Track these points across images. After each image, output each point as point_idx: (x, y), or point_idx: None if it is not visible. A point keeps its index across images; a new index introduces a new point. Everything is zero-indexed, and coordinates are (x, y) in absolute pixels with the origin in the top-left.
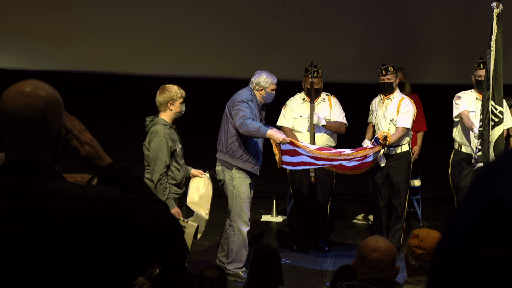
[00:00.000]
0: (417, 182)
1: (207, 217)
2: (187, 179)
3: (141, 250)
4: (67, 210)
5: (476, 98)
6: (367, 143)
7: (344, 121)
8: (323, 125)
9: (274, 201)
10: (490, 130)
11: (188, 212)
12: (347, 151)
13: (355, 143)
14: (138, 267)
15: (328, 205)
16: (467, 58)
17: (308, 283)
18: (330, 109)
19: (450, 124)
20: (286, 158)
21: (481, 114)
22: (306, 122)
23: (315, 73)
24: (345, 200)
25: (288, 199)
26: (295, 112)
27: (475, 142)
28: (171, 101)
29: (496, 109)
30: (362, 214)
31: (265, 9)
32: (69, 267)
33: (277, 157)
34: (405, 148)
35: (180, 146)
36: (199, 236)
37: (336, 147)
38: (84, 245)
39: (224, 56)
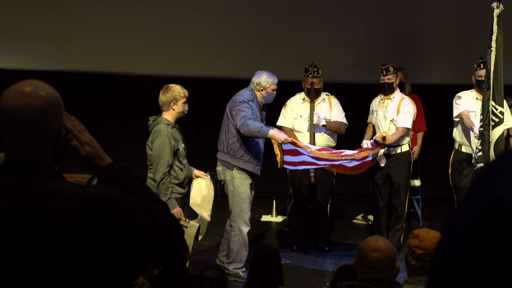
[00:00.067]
0: (417, 182)
1: (209, 219)
2: (190, 179)
3: (141, 250)
4: (67, 210)
5: (477, 98)
6: (366, 143)
7: (344, 121)
8: (323, 125)
9: (274, 201)
10: (490, 130)
11: (190, 212)
12: (348, 152)
13: (355, 143)
14: (138, 267)
15: (328, 205)
16: (467, 58)
17: (308, 283)
18: (330, 109)
19: (450, 124)
20: (288, 158)
21: (481, 114)
22: (306, 122)
23: (315, 73)
24: (345, 200)
25: (288, 199)
26: (295, 112)
27: (475, 142)
28: (174, 101)
29: (497, 109)
30: (362, 214)
31: (265, 9)
32: (69, 267)
33: (278, 158)
34: (405, 148)
35: (183, 145)
36: (200, 237)
37: (336, 147)
38: (84, 245)
39: (224, 56)
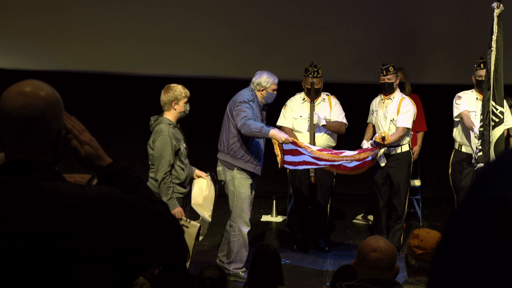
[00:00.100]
0: (417, 182)
1: (210, 219)
2: (191, 179)
3: (141, 250)
4: (67, 210)
5: (477, 98)
6: (366, 144)
7: (344, 121)
8: (323, 125)
9: (274, 201)
10: (490, 130)
11: (192, 212)
12: (348, 153)
13: (355, 143)
14: (138, 267)
15: (328, 205)
16: (467, 58)
17: (308, 283)
18: (330, 109)
19: (450, 124)
20: (288, 158)
21: (481, 114)
22: (306, 122)
23: (315, 73)
24: (345, 200)
25: (288, 199)
26: (295, 112)
27: (475, 142)
28: (176, 101)
29: (497, 109)
30: (362, 214)
31: (265, 9)
32: (69, 267)
33: (278, 158)
34: (405, 148)
35: (184, 145)
36: (201, 238)
37: (336, 147)
38: (84, 245)
39: (224, 56)
